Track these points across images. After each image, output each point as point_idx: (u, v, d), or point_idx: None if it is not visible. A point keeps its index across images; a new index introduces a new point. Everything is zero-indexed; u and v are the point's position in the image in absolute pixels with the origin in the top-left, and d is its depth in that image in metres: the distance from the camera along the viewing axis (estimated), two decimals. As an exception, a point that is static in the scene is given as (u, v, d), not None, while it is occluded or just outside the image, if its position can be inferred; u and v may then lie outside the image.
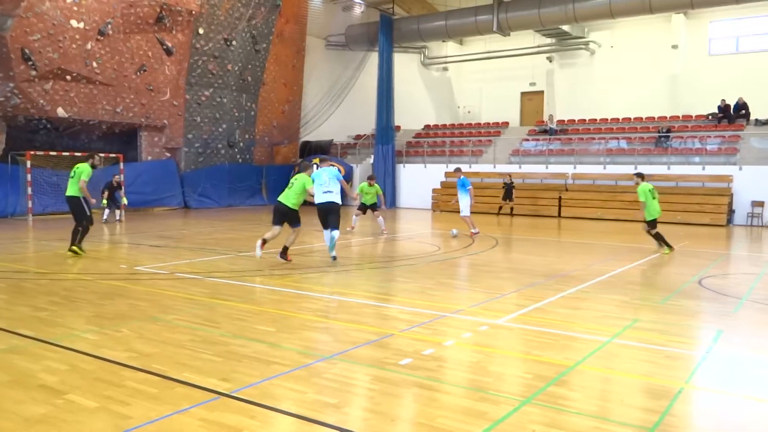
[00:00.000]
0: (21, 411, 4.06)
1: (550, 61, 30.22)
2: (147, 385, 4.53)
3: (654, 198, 12.72)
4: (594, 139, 25.61)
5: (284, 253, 10.46)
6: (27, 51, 18.62)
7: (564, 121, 28.07)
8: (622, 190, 22.64)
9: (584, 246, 14.41)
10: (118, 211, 18.77)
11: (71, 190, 11.20)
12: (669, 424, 3.98)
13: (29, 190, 19.16)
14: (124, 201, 18.96)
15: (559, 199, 23.42)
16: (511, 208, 23.26)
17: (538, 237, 15.99)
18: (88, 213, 11.24)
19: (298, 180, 10.55)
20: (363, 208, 16.35)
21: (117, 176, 19.15)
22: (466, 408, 4.20)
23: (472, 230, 15.35)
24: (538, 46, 29.37)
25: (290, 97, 28.91)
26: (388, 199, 27.24)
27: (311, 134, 29.96)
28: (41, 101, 19.52)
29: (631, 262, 11.40)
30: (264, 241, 10.29)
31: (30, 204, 19.15)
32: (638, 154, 23.66)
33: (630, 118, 26.50)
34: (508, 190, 22.88)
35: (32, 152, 19.57)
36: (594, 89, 28.43)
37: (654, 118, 25.94)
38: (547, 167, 24.97)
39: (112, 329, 6.14)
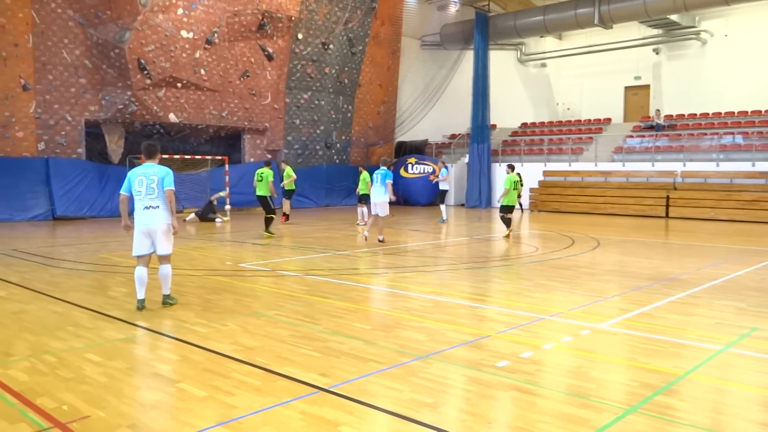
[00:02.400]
0: (138, 397, 4.36)
1: (657, 53, 28.62)
2: (251, 377, 4.73)
3: (515, 189, 14.80)
4: (706, 134, 24.03)
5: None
6: (142, 61, 19.98)
7: (672, 116, 26.52)
8: (738, 189, 21.12)
9: (695, 248, 13.55)
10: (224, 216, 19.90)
11: (261, 191, 15.10)
12: (794, 442, 3.67)
13: (144, 190, 20.53)
14: (222, 195, 20.26)
15: (667, 198, 22.17)
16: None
17: (644, 238, 15.22)
18: (273, 206, 15.00)
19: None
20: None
21: (215, 196, 20.24)
22: (566, 414, 4.07)
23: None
24: (644, 38, 27.92)
25: (386, 98, 29.23)
26: (483, 199, 26.94)
27: (406, 134, 30.15)
28: (155, 108, 20.88)
29: (748, 266, 10.59)
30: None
31: (145, 204, 20.51)
32: (756, 149, 21.94)
33: (747, 112, 24.63)
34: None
35: (147, 156, 20.94)
36: (706, 81, 26.65)
37: (774, 110, 23.99)
38: (653, 165, 23.72)
39: (218, 323, 6.46)
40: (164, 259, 7.13)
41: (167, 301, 7.25)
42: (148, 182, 6.91)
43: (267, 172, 15.12)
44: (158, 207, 6.98)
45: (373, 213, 13.38)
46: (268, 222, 14.88)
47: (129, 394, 4.39)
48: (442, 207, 19.57)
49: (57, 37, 19.34)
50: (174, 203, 7.11)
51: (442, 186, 20.24)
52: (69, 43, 19.57)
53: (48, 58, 19.22)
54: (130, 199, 7.01)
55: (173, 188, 7.02)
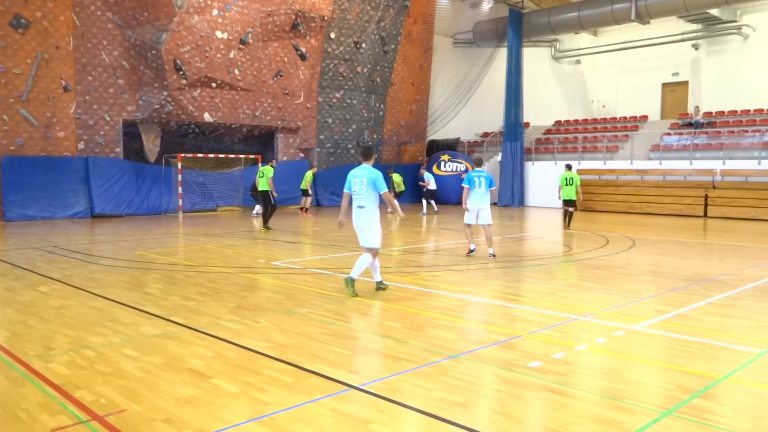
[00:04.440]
0: (173, 391, 4.44)
1: (696, 49, 27.93)
2: (283, 374, 4.78)
3: (567, 185, 16.34)
4: (747, 132, 23.37)
5: None
6: (178, 62, 20.33)
7: (712, 113, 25.87)
8: (780, 188, 20.51)
9: (734, 249, 13.20)
10: (258, 206, 19.99)
11: (262, 186, 15.86)
12: (838, 450, 3.55)
13: (180, 189, 20.95)
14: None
15: (705, 197, 21.65)
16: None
17: (681, 238, 14.89)
18: (273, 202, 15.81)
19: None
20: None
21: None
22: (600, 416, 4.01)
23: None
24: (682, 33, 27.27)
25: (418, 96, 29.18)
26: (516, 198, 26.68)
27: (438, 132, 30.05)
28: (190, 107, 21.23)
29: (791, 267, 10.27)
30: None
31: (180, 202, 20.93)
32: (800, 147, 21.28)
33: (790, 108, 23.90)
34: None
35: (182, 155, 21.36)
36: (748, 77, 25.89)
37: (820, 106, 23.21)
38: (691, 163, 23.17)
39: (251, 320, 6.54)
40: (369, 251, 7.81)
41: (379, 286, 8.00)
42: (360, 183, 7.67)
43: (268, 170, 15.90)
44: (364, 207, 7.69)
45: (472, 222, 11.25)
46: (267, 217, 15.84)
47: (164, 389, 4.48)
48: (424, 202, 22.31)
49: (96, 39, 19.81)
50: (394, 202, 8.19)
51: (431, 186, 22.49)
52: (108, 44, 20.04)
53: (88, 60, 19.71)
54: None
55: (387, 190, 7.75)
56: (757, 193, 20.83)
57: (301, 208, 21.38)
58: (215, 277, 9.10)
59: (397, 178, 23.29)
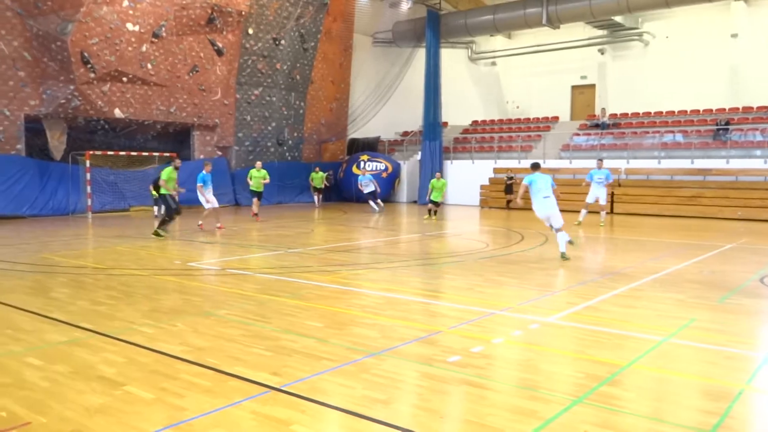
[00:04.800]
0: (82, 401, 4.22)
1: (602, 54, 29.45)
2: (201, 378, 4.65)
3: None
4: (648, 132, 24.86)
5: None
6: (86, 54, 19.32)
7: (617, 114, 27.35)
8: (678, 186, 21.93)
9: (638, 243, 14.03)
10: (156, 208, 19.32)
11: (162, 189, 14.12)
12: (728, 427, 3.84)
13: (89, 188, 19.93)
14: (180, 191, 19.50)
15: (612, 195, 22.84)
16: (508, 202, 24.44)
17: (589, 234, 15.65)
18: (173, 206, 14.03)
19: None
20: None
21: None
22: (516, 406, 4.15)
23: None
24: (589, 39, 28.68)
25: (338, 94, 29.13)
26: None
27: (359, 131, 30.12)
28: (99, 103, 20.22)
29: (687, 259, 11.02)
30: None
31: (89, 202, 19.91)
32: (695, 147, 22.84)
33: (686, 111, 25.59)
34: (509, 186, 24.51)
35: (91, 152, 20.33)
36: (648, 82, 27.55)
37: (712, 110, 24.97)
38: (598, 162, 24.38)
39: (167, 323, 6.32)
40: (558, 229, 10.55)
41: (564, 256, 10.45)
42: (546, 184, 10.56)
43: (165, 172, 14.15)
44: (549, 197, 10.49)
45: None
46: (163, 221, 14.25)
47: (72, 399, 4.25)
48: (371, 202, 22.85)
49: (-7, 28, 18.50)
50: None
51: (366, 189, 23.22)
52: (6, 34, 18.73)
53: (-17, 50, 18.37)
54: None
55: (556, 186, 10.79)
56: (658, 190, 22.21)
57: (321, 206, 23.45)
58: (128, 280, 8.73)
59: (317, 176, 24.76)
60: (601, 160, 18.31)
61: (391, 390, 4.46)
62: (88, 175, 19.89)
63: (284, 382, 4.55)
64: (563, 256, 10.50)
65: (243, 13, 23.24)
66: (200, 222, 15.76)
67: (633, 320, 6.51)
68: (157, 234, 13.79)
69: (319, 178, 25.05)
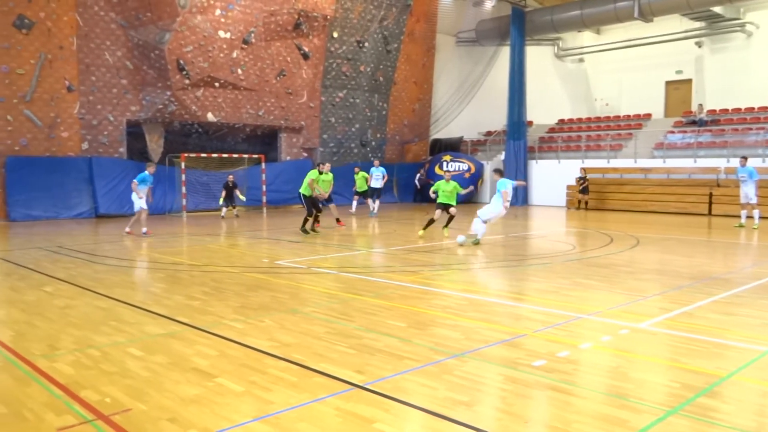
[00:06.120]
0: (178, 390, 4.45)
1: (700, 47, 27.85)
2: (287, 373, 4.78)
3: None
4: (751, 129, 23.30)
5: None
6: (181, 62, 20.36)
7: (716, 110, 25.81)
8: (784, 185, 20.44)
9: (739, 246, 13.17)
10: (234, 209, 19.97)
11: (302, 189, 14.87)
12: (844, 448, 3.54)
13: (183, 189, 20.98)
14: (242, 198, 20.08)
15: (710, 195, 21.60)
16: (586, 203, 23.77)
17: (685, 236, 14.86)
18: (315, 208, 14.86)
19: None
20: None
21: (231, 176, 20.28)
22: (604, 414, 4.01)
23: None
24: (686, 31, 27.20)
25: (421, 95, 29.16)
26: (520, 196, 26.65)
27: (441, 131, 30.02)
28: (193, 107, 21.25)
29: (795, 265, 10.24)
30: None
31: (184, 202, 20.96)
32: (804, 144, 21.20)
33: (794, 106, 23.82)
34: (585, 187, 24.01)
35: (186, 154, 21.39)
36: (751, 75, 25.81)
37: (823, 104, 23.13)
38: (695, 161, 23.12)
39: (256, 319, 6.55)
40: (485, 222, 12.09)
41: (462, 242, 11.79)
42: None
43: (310, 174, 14.87)
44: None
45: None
46: (305, 221, 14.91)
47: (169, 389, 4.49)
48: (370, 201, 20.92)
49: (100, 39, 19.85)
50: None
51: (375, 184, 20.85)
52: (111, 45, 20.07)
53: (91, 60, 19.75)
54: None
55: None
56: (762, 190, 20.72)
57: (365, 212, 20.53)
58: (219, 277, 9.11)
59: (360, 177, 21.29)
60: (744, 158, 17.05)
61: (473, 392, 4.41)
62: (183, 177, 20.94)
63: (367, 381, 4.60)
64: (467, 239, 12.31)
65: (328, 17, 23.73)
66: (128, 229, 14.89)
67: (733, 328, 6.13)
68: (305, 231, 14.69)
69: (360, 178, 21.24)
